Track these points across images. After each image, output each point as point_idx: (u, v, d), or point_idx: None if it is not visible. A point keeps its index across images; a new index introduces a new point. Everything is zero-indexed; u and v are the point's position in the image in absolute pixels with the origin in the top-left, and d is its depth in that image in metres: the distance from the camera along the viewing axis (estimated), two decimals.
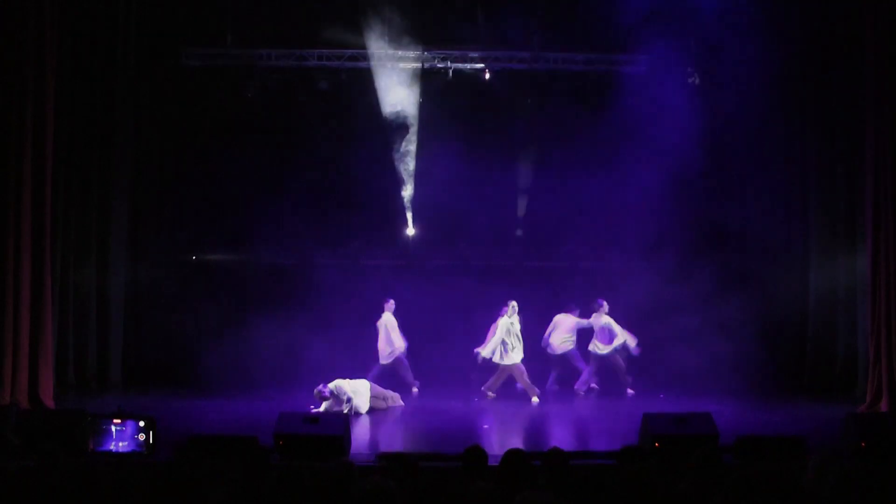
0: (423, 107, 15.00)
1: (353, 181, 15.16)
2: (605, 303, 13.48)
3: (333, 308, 14.21)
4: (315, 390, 11.47)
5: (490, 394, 12.86)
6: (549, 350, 13.80)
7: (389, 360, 13.40)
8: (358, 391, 11.60)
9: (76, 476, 5.26)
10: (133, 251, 13.94)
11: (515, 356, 12.72)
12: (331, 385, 11.46)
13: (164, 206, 14.65)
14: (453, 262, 15.40)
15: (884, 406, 11.04)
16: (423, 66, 14.81)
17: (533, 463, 5.43)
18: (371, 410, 11.63)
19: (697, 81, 14.65)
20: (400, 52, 14.63)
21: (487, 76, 14.91)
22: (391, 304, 13.60)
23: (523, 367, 12.78)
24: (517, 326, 12.80)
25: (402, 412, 11.87)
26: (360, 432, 10.41)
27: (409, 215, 15.45)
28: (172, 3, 14.14)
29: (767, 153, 14.49)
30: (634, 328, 13.75)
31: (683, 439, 8.41)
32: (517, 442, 10.29)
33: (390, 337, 13.39)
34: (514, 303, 12.85)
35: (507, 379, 12.99)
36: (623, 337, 13.28)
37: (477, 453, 5.69)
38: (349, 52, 14.70)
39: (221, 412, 11.37)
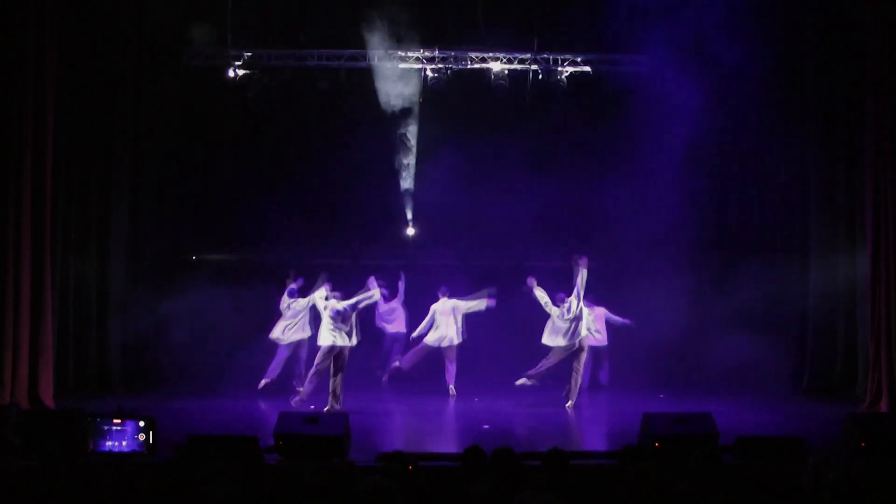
0: (424, 107, 15.00)
1: (354, 181, 15.17)
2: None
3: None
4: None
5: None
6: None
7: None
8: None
9: (76, 476, 5.26)
10: (133, 251, 13.94)
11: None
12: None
13: (164, 206, 14.65)
14: (453, 261, 15.40)
15: (884, 406, 11.05)
16: (423, 66, 14.81)
17: (524, 461, 5.43)
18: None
19: (697, 81, 14.65)
20: (400, 53, 14.64)
21: (488, 76, 14.91)
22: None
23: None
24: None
25: (403, 412, 11.87)
26: (360, 432, 10.39)
27: (409, 215, 15.45)
28: (173, 4, 14.14)
29: (767, 153, 14.49)
30: (634, 328, 13.78)
31: (683, 439, 8.41)
32: (517, 442, 10.28)
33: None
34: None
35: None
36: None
37: (477, 453, 5.69)
38: (349, 52, 14.70)
39: (221, 412, 11.37)
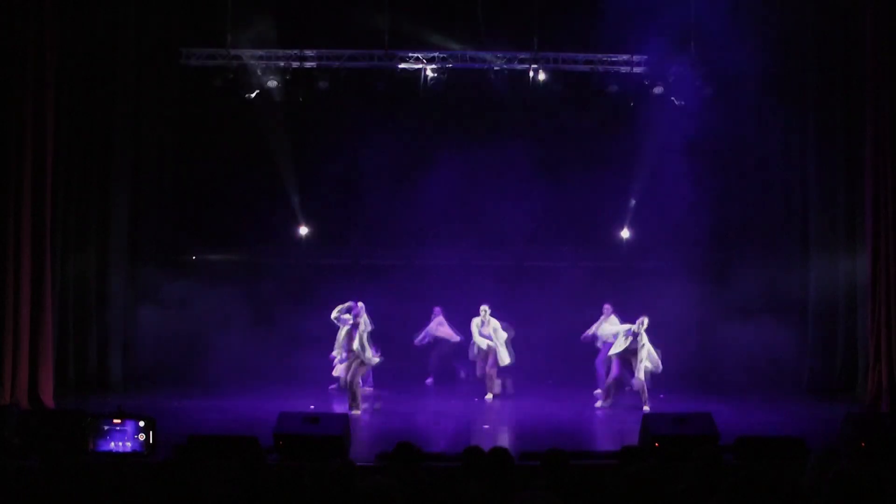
0: (424, 106, 14.99)
1: (354, 181, 15.16)
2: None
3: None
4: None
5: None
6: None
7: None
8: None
9: (76, 476, 5.26)
10: (133, 251, 13.93)
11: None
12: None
13: (164, 206, 14.65)
14: (454, 262, 15.41)
15: (884, 406, 11.05)
16: (423, 65, 14.80)
17: (525, 461, 5.43)
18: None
19: (697, 81, 14.65)
20: (400, 52, 14.63)
21: (488, 76, 14.89)
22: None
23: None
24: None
25: (403, 412, 11.86)
26: (360, 432, 10.40)
27: (409, 215, 15.43)
28: (172, 4, 14.14)
29: (767, 153, 14.49)
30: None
31: (683, 439, 8.41)
32: (517, 442, 10.28)
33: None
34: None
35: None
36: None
37: (477, 453, 5.68)
38: (349, 52, 14.69)
39: (221, 412, 11.37)
